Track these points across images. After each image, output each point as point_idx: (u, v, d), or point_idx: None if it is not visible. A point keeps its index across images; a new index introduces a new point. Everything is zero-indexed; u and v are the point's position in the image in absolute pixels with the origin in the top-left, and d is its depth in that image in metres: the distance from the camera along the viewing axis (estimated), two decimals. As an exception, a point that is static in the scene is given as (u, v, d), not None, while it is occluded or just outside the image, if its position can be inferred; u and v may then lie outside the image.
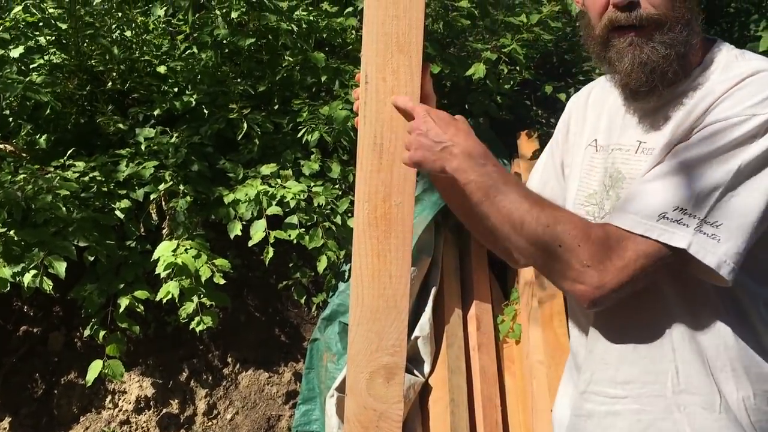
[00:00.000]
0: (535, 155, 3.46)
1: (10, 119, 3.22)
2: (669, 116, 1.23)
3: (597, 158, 1.35)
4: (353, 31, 3.43)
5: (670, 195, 1.12)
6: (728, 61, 1.23)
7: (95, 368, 2.70)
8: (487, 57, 3.31)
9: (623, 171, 1.28)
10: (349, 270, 2.98)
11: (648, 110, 1.27)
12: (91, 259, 2.74)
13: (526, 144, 3.58)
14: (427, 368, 2.76)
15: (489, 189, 1.19)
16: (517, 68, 3.51)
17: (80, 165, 2.94)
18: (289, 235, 2.87)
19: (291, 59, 3.26)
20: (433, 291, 2.89)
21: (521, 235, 1.17)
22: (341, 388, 2.60)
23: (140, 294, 2.77)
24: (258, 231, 2.83)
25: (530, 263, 1.30)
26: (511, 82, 3.54)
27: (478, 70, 3.25)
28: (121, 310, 2.72)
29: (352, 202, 3.14)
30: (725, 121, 1.13)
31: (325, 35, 3.35)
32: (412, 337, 2.78)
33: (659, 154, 1.21)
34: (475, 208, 1.22)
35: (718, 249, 1.10)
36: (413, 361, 2.82)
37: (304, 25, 3.30)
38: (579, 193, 1.37)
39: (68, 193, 2.75)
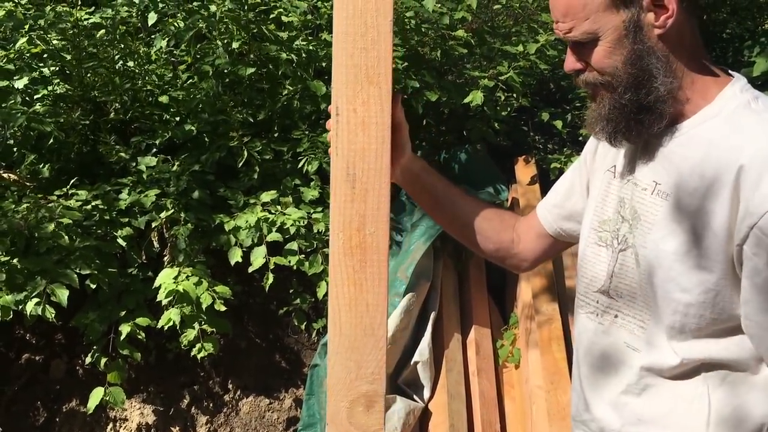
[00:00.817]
0: (533, 180, 3.49)
1: (14, 149, 3.26)
2: (681, 159, 1.22)
3: (614, 185, 1.36)
4: (352, 60, 3.48)
5: None
6: (736, 109, 1.19)
7: (96, 395, 2.71)
8: (485, 84, 3.36)
9: (639, 211, 1.28)
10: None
11: (663, 149, 1.26)
12: (93, 286, 2.77)
13: (523, 169, 3.62)
14: (426, 393, 2.78)
15: None
16: (514, 95, 3.55)
17: (83, 193, 2.98)
18: (289, 261, 2.89)
19: (291, 88, 3.31)
20: (432, 316, 2.91)
21: None
22: (341, 414, 2.60)
23: (141, 321, 2.80)
24: (258, 257, 2.86)
25: None
26: (508, 109, 3.58)
27: (475, 97, 3.29)
28: (122, 337, 2.74)
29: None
30: None
31: (324, 64, 3.39)
32: (412, 362, 2.80)
33: (671, 213, 1.21)
34: None
35: None
36: (413, 386, 2.83)
37: (303, 55, 3.35)
38: (594, 218, 1.38)
39: (71, 221, 2.78)
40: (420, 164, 1.52)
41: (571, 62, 1.25)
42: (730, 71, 1.27)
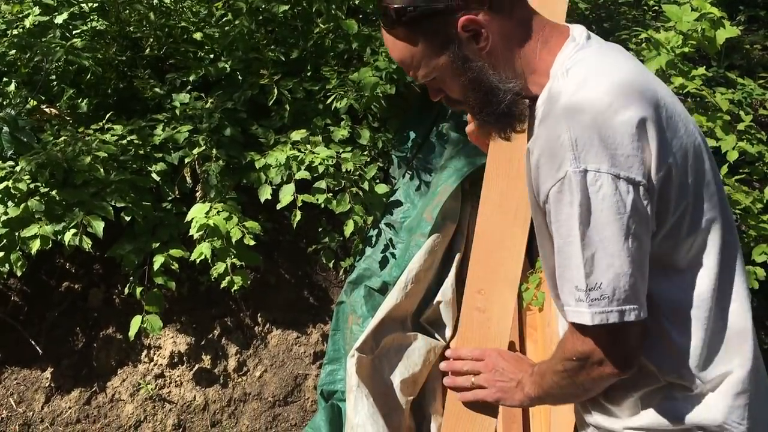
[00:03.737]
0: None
1: (54, 83, 3.34)
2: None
3: None
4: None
5: (567, 280, 1.22)
6: (548, 93, 1.27)
7: (135, 323, 2.81)
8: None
9: None
10: (376, 235, 3.04)
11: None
12: (128, 219, 2.86)
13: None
14: (448, 332, 2.82)
15: (540, 386, 1.42)
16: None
17: (118, 128, 3.05)
18: (317, 199, 2.93)
19: (323, 26, 3.29)
20: (457, 258, 2.93)
21: (565, 387, 1.36)
22: (362, 349, 2.68)
23: (175, 252, 2.88)
24: (286, 195, 2.90)
25: (583, 392, 1.40)
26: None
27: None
28: (156, 267, 2.84)
29: (380, 168, 3.18)
30: (547, 197, 1.21)
31: (357, 2, 3.37)
32: (434, 302, 2.84)
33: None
34: (554, 403, 1.58)
35: (612, 305, 1.18)
36: (434, 325, 2.88)
37: (337, -9, 3.33)
38: None
39: (106, 155, 2.86)
40: None
41: (433, 95, 1.40)
42: (569, 26, 1.34)
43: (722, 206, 1.31)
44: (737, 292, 1.32)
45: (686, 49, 3.02)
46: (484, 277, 1.50)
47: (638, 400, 1.35)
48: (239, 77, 3.28)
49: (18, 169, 2.79)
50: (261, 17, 3.38)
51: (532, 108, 1.32)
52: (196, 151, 3.02)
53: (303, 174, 2.93)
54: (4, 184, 2.72)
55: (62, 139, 2.92)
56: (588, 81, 1.21)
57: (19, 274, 2.71)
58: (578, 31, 1.32)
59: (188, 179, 3.12)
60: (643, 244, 1.19)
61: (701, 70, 3.17)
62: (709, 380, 1.30)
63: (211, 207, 2.88)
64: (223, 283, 2.81)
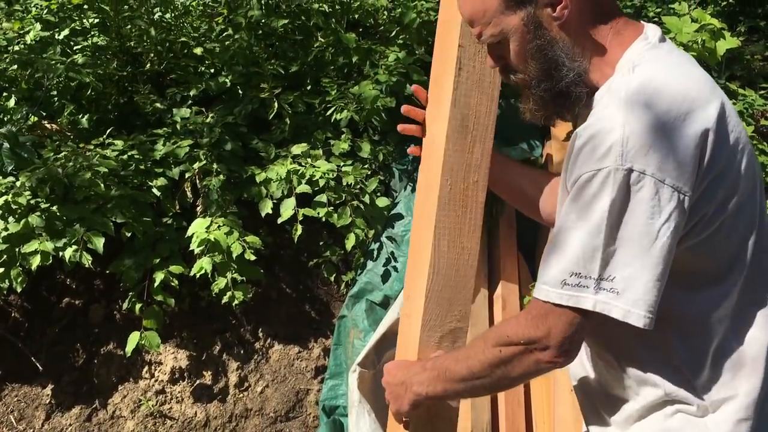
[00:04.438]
0: (568, 136, 3.43)
1: (55, 99, 3.35)
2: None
3: None
4: (384, 12, 3.45)
5: (563, 262, 1.19)
6: (610, 86, 1.24)
7: (133, 340, 2.81)
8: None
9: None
10: (378, 248, 3.03)
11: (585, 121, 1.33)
12: (129, 235, 2.85)
13: (559, 125, 3.55)
14: (451, 346, 2.80)
15: (440, 379, 1.34)
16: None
17: (119, 143, 3.05)
18: (318, 213, 2.92)
19: (323, 40, 3.30)
20: (459, 270, 2.91)
21: (484, 377, 1.29)
22: (364, 364, 2.66)
23: (175, 269, 2.87)
24: (287, 208, 2.90)
25: (504, 382, 1.34)
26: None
27: (510, 50, 3.23)
28: (156, 284, 2.83)
29: (381, 182, 3.18)
30: (576, 180, 1.18)
31: (356, 16, 3.37)
32: (436, 316, 2.82)
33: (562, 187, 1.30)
34: (452, 398, 1.43)
35: (619, 301, 1.16)
36: (437, 339, 2.85)
37: (336, 6, 3.33)
38: None
39: (107, 170, 2.86)
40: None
41: (490, 62, 1.35)
42: (644, 24, 1.30)
43: (759, 227, 1.28)
44: (760, 318, 1.27)
45: (687, 61, 3.01)
46: (409, 283, 1.51)
47: (636, 413, 1.32)
48: (239, 91, 3.29)
49: (18, 184, 2.78)
50: (261, 32, 3.39)
51: (590, 98, 1.28)
52: (196, 165, 3.01)
53: (304, 188, 2.93)
54: (4, 198, 2.71)
55: (63, 154, 2.92)
56: (653, 82, 1.18)
57: (19, 290, 2.70)
58: (652, 30, 1.28)
59: (189, 194, 3.11)
60: (667, 253, 1.16)
61: (702, 81, 3.16)
62: (711, 402, 1.26)
63: (211, 222, 2.87)
64: (224, 299, 2.80)
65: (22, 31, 3.45)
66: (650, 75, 1.20)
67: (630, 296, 1.15)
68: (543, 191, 1.58)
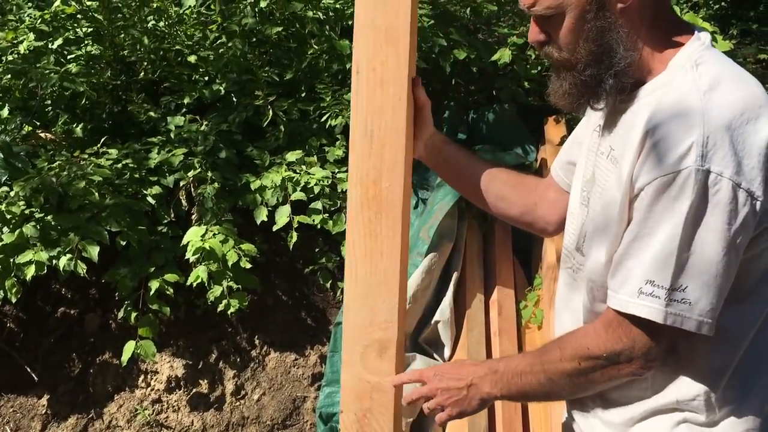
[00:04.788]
0: (562, 141, 3.44)
1: (49, 109, 3.35)
2: (630, 127, 1.22)
3: (594, 143, 1.36)
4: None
5: (639, 269, 1.16)
6: (674, 78, 1.19)
7: (129, 349, 2.80)
8: (513, 42, 3.30)
9: (596, 174, 1.31)
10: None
11: (624, 116, 1.26)
12: (124, 243, 2.84)
13: (553, 129, 3.56)
14: (447, 352, 2.80)
15: (515, 384, 1.31)
16: (545, 53, 3.48)
17: (113, 152, 3.05)
18: (313, 220, 2.93)
19: (317, 47, 3.30)
20: (455, 276, 2.92)
21: (562, 386, 1.27)
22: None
23: (170, 277, 2.87)
24: (282, 216, 2.90)
25: (584, 391, 1.33)
26: (539, 68, 3.52)
27: (503, 55, 3.24)
28: (151, 292, 2.82)
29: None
30: (649, 183, 1.14)
31: (350, 22, 3.37)
32: (432, 322, 2.82)
33: (620, 183, 1.21)
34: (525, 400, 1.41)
35: (692, 312, 1.13)
36: (433, 345, 2.86)
37: (330, 13, 3.34)
38: (581, 177, 1.39)
39: (101, 179, 2.86)
40: (441, 137, 1.56)
41: (534, 34, 1.26)
42: (694, 27, 1.26)
43: None
44: None
45: (679, 64, 3.02)
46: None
47: (639, 415, 1.30)
48: (234, 99, 3.29)
49: (12, 194, 2.78)
50: (255, 39, 3.39)
51: (632, 91, 1.23)
52: (191, 173, 3.01)
53: (299, 195, 2.93)
54: (-2, 208, 2.71)
55: (57, 163, 2.92)
56: (723, 82, 1.15)
57: (14, 300, 2.69)
58: (704, 34, 1.25)
59: (184, 202, 3.11)
60: (736, 259, 1.13)
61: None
62: (721, 411, 1.24)
63: (206, 230, 2.87)
64: (220, 307, 2.80)
65: (15, 41, 3.45)
66: (716, 74, 1.16)
67: (702, 306, 1.13)
68: (482, 178, 1.55)
